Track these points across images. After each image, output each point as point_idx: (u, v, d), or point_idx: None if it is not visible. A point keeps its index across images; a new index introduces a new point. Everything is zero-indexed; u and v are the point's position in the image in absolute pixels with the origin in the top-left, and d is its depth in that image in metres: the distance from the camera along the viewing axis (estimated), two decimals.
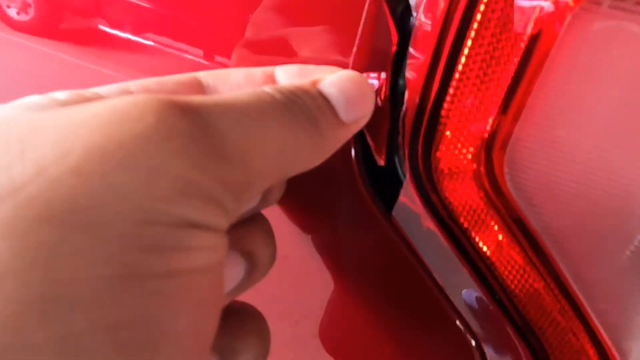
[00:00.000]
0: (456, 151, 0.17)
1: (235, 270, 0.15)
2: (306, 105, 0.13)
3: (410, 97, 0.17)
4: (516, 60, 0.15)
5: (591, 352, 0.19)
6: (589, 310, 0.18)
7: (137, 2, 0.37)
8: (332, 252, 0.22)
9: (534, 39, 0.14)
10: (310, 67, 0.16)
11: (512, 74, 0.15)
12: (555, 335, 0.19)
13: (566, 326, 0.19)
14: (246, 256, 0.15)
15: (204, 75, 0.16)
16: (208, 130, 0.11)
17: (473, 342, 0.21)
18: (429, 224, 0.18)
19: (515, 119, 0.16)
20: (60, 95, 0.12)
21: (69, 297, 0.09)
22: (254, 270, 0.15)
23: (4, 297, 0.09)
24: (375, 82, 0.18)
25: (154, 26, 0.37)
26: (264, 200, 0.16)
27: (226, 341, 0.15)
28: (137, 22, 0.39)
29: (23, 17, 0.47)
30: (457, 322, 0.21)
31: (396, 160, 0.18)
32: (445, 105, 0.16)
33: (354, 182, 0.19)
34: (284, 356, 0.35)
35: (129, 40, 0.40)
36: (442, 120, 0.16)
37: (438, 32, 0.15)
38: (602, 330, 0.18)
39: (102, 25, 0.41)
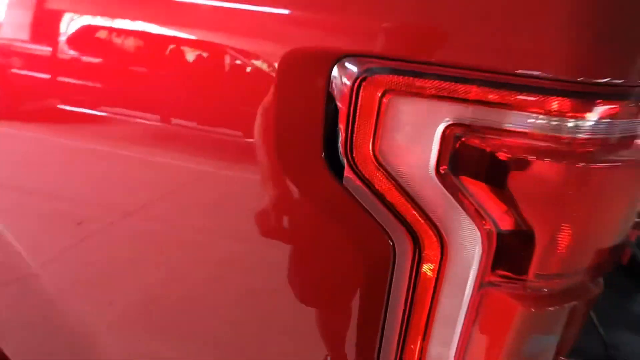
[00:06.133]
0: (361, 156, 0.43)
1: None
2: None
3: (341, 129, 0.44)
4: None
5: None
6: None
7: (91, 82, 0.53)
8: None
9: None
10: None
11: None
12: None
13: None
14: None
15: None
16: None
17: (390, 242, 0.47)
18: (357, 182, 0.44)
19: None
20: None
21: None
22: None
23: None
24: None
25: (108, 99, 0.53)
26: None
27: None
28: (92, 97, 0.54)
29: None
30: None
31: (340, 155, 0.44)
32: (353, 134, 0.43)
33: (325, 171, 0.45)
34: None
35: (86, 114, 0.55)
36: (354, 142, 0.43)
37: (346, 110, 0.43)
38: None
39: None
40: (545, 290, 0.44)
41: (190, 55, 0.48)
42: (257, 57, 0.46)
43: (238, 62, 0.47)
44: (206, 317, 0.61)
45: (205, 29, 0.48)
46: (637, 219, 1.18)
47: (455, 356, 0.47)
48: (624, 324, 0.75)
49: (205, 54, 0.48)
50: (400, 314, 0.48)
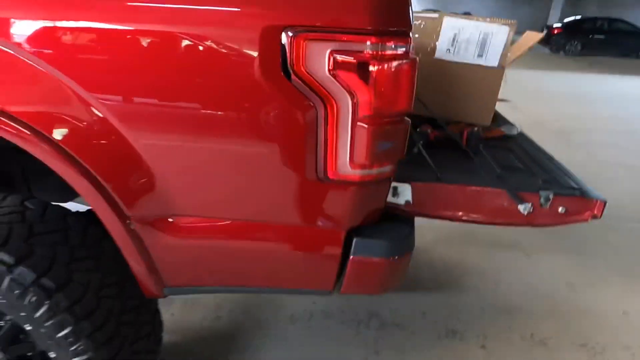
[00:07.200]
0: (298, 68, 1.01)
1: None
2: None
3: (288, 58, 1.01)
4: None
5: None
6: None
7: None
8: None
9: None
10: None
11: None
12: None
13: None
14: None
15: None
16: None
17: (314, 107, 1.04)
18: (297, 80, 1.01)
19: None
20: None
21: None
22: None
23: None
24: None
25: None
26: None
27: None
28: None
29: None
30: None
31: (289, 69, 1.01)
32: (293, 60, 1.00)
33: (283, 77, 1.01)
34: None
35: None
36: (293, 63, 1.00)
37: (289, 50, 1.00)
38: None
39: None
40: (379, 124, 1.03)
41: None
42: (251, 32, 1.01)
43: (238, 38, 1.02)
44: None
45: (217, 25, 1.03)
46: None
47: (349, 158, 1.06)
48: (455, 172, 1.36)
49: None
50: (323, 142, 1.05)
